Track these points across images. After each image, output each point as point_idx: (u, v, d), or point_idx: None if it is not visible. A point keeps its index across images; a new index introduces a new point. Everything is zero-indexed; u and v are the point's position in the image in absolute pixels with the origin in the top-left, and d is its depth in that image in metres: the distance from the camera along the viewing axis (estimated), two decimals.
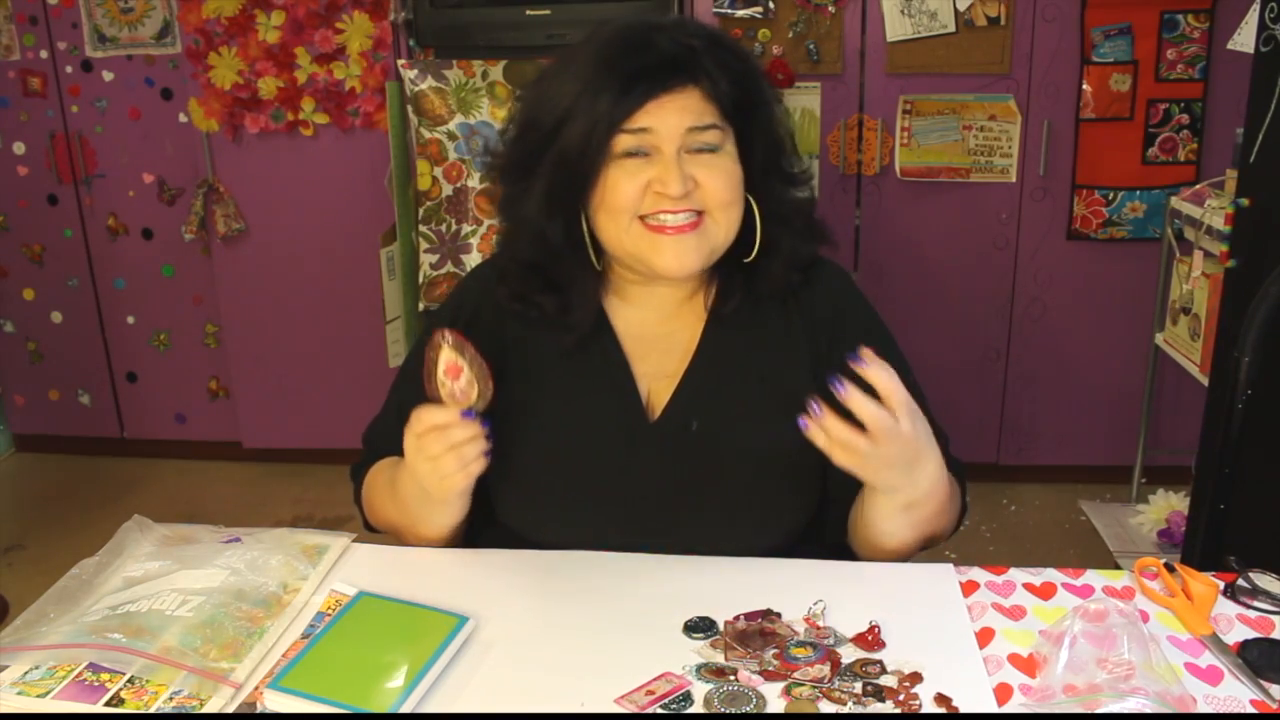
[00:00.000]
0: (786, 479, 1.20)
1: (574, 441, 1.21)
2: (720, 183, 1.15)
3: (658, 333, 1.25)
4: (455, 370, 1.08)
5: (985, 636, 1.02)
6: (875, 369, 1.00)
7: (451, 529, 1.21)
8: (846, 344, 1.23)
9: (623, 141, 1.13)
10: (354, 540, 1.21)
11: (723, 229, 1.17)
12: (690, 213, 1.15)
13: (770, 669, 0.97)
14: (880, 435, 1.00)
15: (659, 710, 0.92)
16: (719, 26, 1.32)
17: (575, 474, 1.21)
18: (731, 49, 1.18)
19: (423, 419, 1.09)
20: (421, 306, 2.92)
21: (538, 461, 1.22)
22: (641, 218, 1.15)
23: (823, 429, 1.01)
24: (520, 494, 1.23)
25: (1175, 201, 2.69)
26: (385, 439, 1.28)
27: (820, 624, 1.03)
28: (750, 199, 1.19)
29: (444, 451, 1.08)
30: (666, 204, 1.13)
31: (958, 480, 1.22)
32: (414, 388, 1.31)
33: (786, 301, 1.25)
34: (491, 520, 1.27)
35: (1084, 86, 2.84)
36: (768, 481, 1.20)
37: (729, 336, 1.24)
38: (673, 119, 1.12)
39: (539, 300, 1.22)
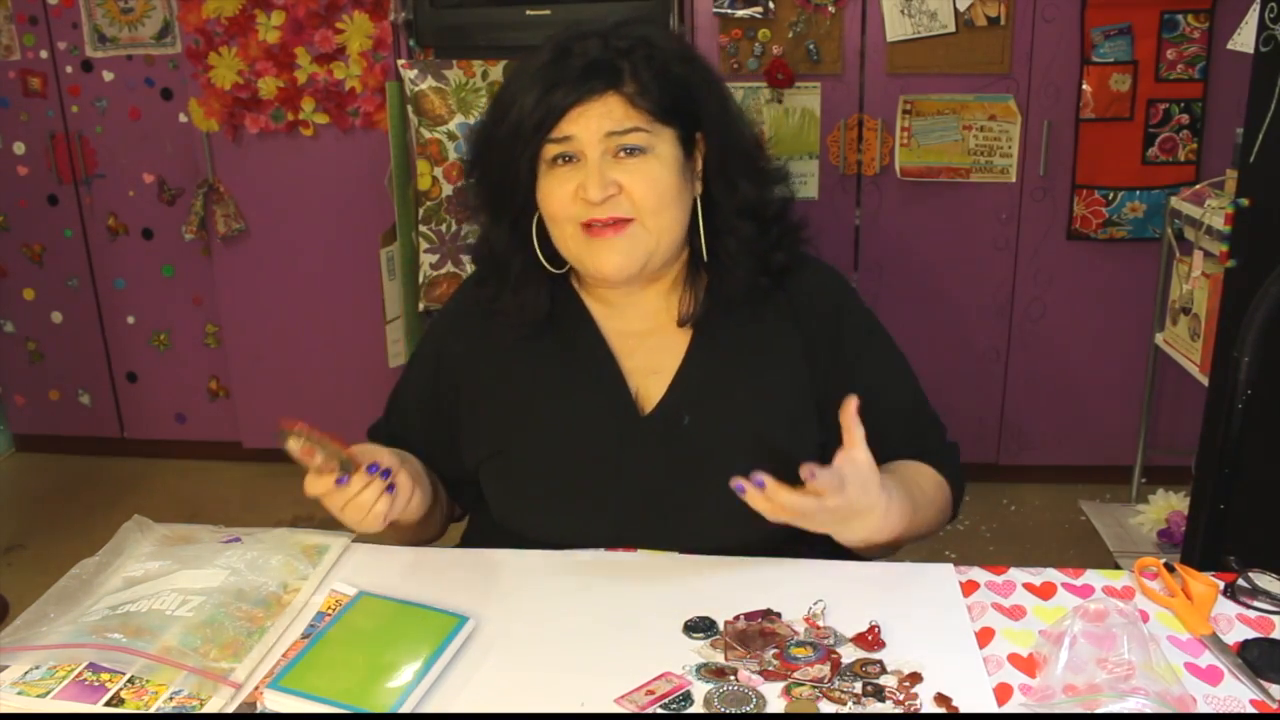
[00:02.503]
0: (779, 474, 1.20)
1: (565, 436, 1.22)
2: (643, 187, 1.15)
3: (641, 329, 1.26)
4: (308, 453, 1.05)
5: (985, 636, 1.03)
6: (855, 428, 1.02)
7: (424, 513, 1.22)
8: (846, 345, 1.24)
9: (550, 149, 1.15)
10: (354, 540, 1.21)
11: (653, 235, 1.17)
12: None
13: (770, 669, 0.97)
14: (827, 494, 1.01)
15: (659, 710, 0.92)
16: (661, 30, 1.32)
17: (567, 468, 1.21)
18: (668, 50, 1.18)
19: (308, 490, 1.09)
20: (421, 306, 2.92)
21: (529, 457, 1.22)
22: (584, 225, 1.16)
23: (767, 497, 1.00)
24: (512, 490, 1.23)
25: (1175, 201, 2.69)
26: (381, 433, 1.33)
27: (820, 624, 1.03)
28: (698, 201, 1.20)
29: (341, 508, 1.09)
30: (594, 210, 1.14)
31: (951, 468, 1.24)
32: (405, 387, 1.34)
33: (776, 302, 1.25)
34: (489, 518, 1.27)
35: (1084, 86, 2.84)
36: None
37: (721, 335, 1.24)
38: (593, 125, 1.13)
39: (500, 297, 1.25)
